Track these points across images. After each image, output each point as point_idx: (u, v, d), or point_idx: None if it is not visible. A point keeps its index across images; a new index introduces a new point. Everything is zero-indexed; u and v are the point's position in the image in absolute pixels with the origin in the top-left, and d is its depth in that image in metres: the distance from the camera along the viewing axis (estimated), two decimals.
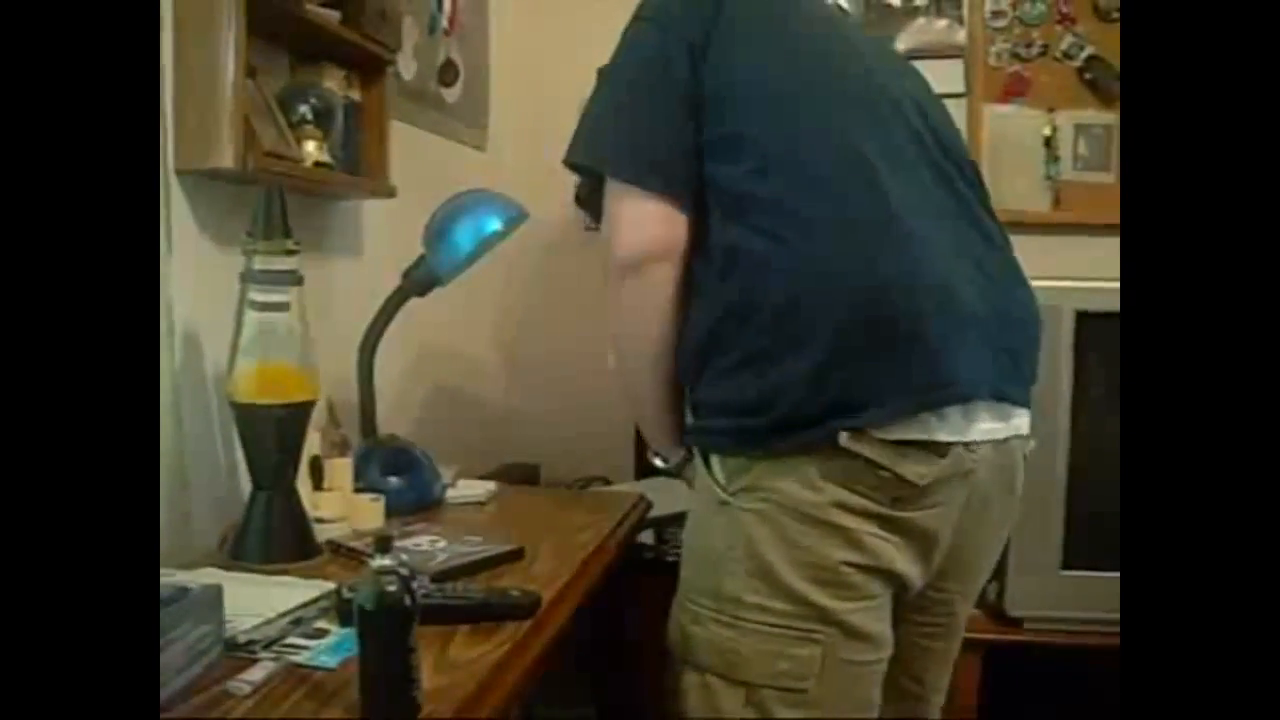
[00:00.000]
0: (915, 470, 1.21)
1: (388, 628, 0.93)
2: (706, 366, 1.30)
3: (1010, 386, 1.30)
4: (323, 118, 1.73)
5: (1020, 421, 1.32)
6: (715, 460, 1.30)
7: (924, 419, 1.21)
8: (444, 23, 2.43)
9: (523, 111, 2.89)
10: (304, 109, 1.70)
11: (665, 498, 2.02)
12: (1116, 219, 2.12)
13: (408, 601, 0.93)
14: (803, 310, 1.22)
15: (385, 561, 0.94)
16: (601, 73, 1.42)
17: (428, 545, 1.44)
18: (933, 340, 1.21)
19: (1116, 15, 2.66)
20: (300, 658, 1.07)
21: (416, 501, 1.71)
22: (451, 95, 2.53)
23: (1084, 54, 2.69)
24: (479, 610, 1.19)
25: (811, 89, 1.33)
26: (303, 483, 1.49)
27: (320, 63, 1.83)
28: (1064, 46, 2.69)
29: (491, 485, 1.89)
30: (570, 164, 1.39)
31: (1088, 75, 2.68)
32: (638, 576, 1.94)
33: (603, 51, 3.02)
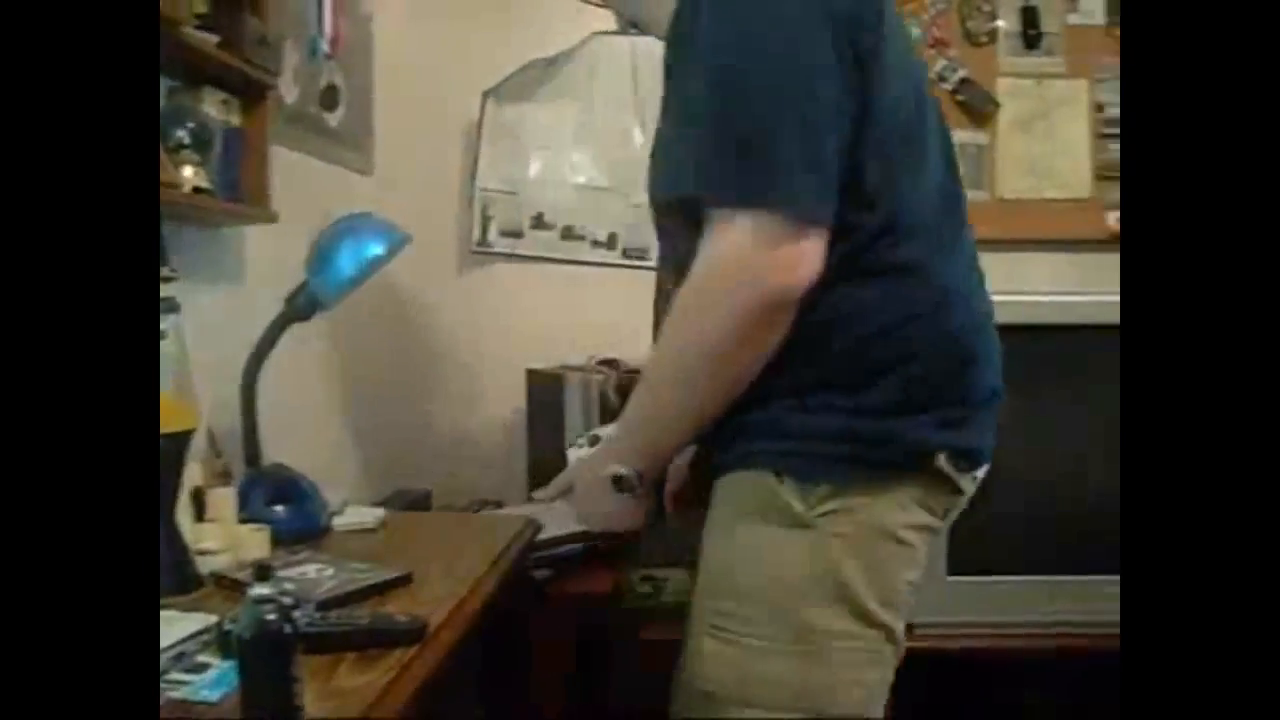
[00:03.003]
0: (967, 483, 1.26)
1: (267, 657, 0.92)
2: (790, 393, 1.22)
3: None
4: (201, 142, 1.71)
5: None
6: (791, 483, 1.21)
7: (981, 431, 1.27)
8: (324, 46, 2.41)
9: (408, 135, 2.88)
10: (181, 133, 1.68)
11: (555, 519, 2.02)
12: (993, 234, 2.21)
13: (287, 629, 0.92)
14: (910, 341, 1.20)
15: (264, 590, 0.93)
16: (711, 44, 1.14)
17: (314, 573, 1.42)
18: (983, 359, 1.27)
19: (985, 40, 2.77)
20: (180, 693, 1.05)
21: (303, 530, 1.69)
22: (334, 119, 2.51)
23: (956, 77, 2.78)
24: (365, 637, 1.18)
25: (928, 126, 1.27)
26: (184, 514, 1.46)
27: (199, 86, 1.80)
28: (938, 70, 2.78)
29: (380, 512, 1.87)
30: (734, 197, 1.13)
31: (960, 97, 2.78)
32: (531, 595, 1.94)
33: (488, 74, 3.02)
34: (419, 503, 2.60)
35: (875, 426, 1.20)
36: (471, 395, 2.98)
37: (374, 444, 2.77)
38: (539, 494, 1.46)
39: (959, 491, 1.26)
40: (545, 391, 2.64)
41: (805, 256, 1.12)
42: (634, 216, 2.96)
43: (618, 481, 1.32)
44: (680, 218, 1.23)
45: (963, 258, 1.30)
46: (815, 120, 1.11)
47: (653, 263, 2.96)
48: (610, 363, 2.66)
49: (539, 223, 2.98)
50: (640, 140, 2.94)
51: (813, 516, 1.20)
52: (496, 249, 3.00)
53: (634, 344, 2.78)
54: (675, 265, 1.26)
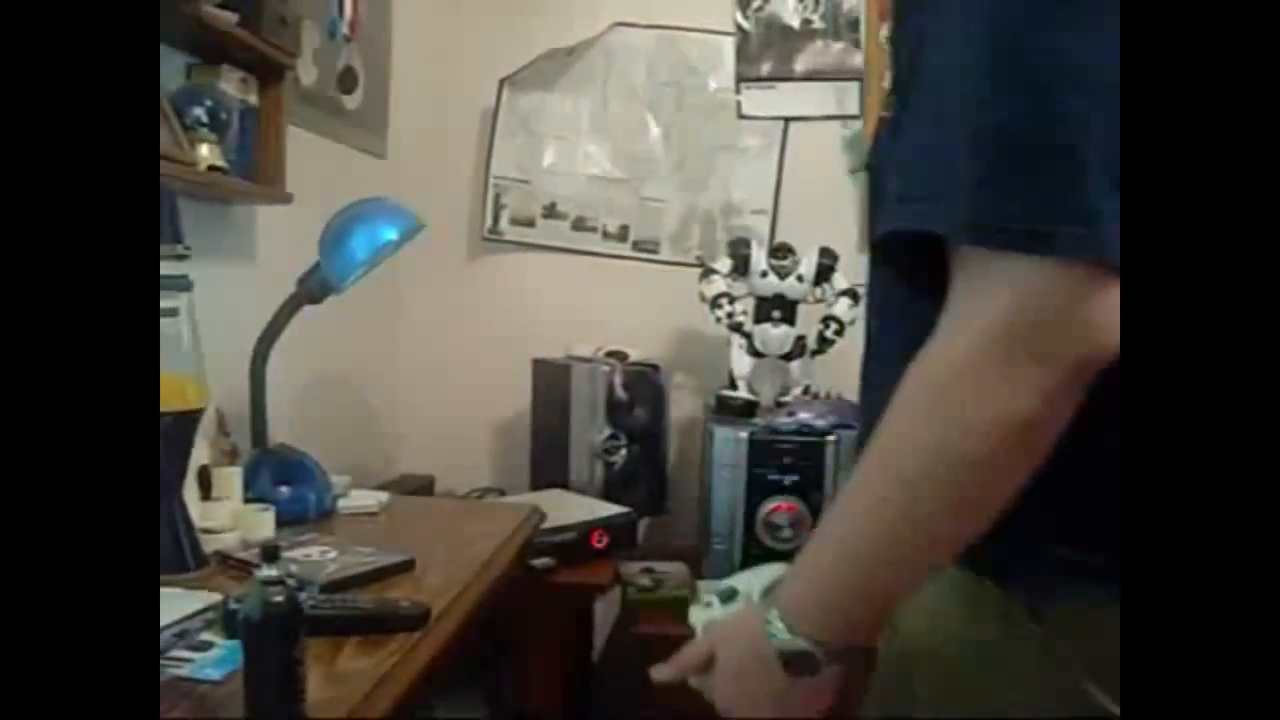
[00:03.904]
0: None
1: (273, 638, 0.92)
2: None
3: None
4: (218, 121, 1.71)
5: None
6: (1016, 589, 0.93)
7: None
8: (344, 28, 2.42)
9: (423, 120, 2.88)
10: (199, 111, 1.68)
11: (559, 510, 2.03)
12: None
13: (294, 612, 0.93)
14: None
15: (271, 571, 0.93)
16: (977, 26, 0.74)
17: (318, 556, 1.42)
18: None
19: None
20: (184, 670, 1.05)
21: (308, 512, 1.70)
22: (351, 102, 2.51)
23: None
24: (368, 622, 1.19)
25: None
26: (190, 492, 1.47)
27: (218, 65, 1.80)
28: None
29: (384, 496, 1.88)
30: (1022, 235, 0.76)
31: None
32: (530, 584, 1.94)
33: (506, 62, 3.02)
34: (421, 488, 2.61)
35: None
36: (477, 383, 2.98)
37: (378, 427, 2.78)
38: (656, 672, 1.04)
39: None
40: (551, 381, 2.65)
41: (1116, 312, 0.77)
42: (646, 209, 2.96)
43: (791, 661, 0.90)
44: (902, 263, 0.87)
45: None
46: (1106, 163, 0.75)
47: (663, 256, 2.97)
48: (617, 354, 2.66)
49: (551, 212, 2.98)
50: (655, 133, 2.94)
51: (1045, 626, 0.92)
52: (508, 237, 3.00)
53: (641, 337, 2.78)
54: (883, 337, 0.95)
